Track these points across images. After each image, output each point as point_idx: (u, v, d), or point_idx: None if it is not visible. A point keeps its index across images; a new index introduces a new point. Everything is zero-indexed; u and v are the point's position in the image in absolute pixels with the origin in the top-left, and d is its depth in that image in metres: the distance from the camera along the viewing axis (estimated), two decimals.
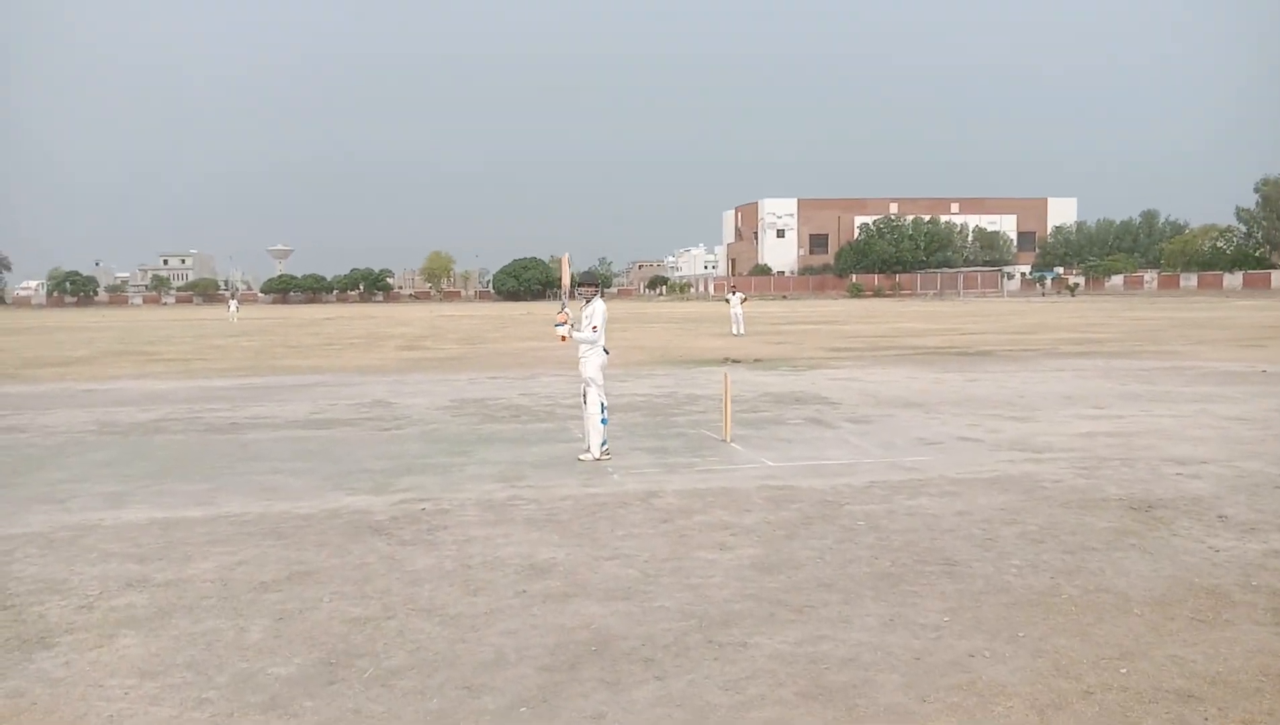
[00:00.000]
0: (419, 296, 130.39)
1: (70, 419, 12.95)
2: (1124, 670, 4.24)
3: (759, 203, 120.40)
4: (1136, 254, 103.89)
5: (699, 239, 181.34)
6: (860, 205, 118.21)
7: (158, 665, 4.44)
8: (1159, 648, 4.49)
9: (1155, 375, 16.78)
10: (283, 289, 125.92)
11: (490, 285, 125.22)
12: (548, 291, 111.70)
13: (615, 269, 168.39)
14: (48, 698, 4.11)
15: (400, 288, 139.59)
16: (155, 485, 8.42)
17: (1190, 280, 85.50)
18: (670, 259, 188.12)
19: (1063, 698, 3.98)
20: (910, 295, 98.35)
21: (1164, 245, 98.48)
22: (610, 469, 8.83)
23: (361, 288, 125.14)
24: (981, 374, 17.39)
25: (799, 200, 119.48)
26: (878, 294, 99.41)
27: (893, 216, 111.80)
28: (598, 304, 9.37)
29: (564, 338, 9.38)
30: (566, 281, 10.17)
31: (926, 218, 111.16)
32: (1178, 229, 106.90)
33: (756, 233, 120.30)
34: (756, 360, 21.31)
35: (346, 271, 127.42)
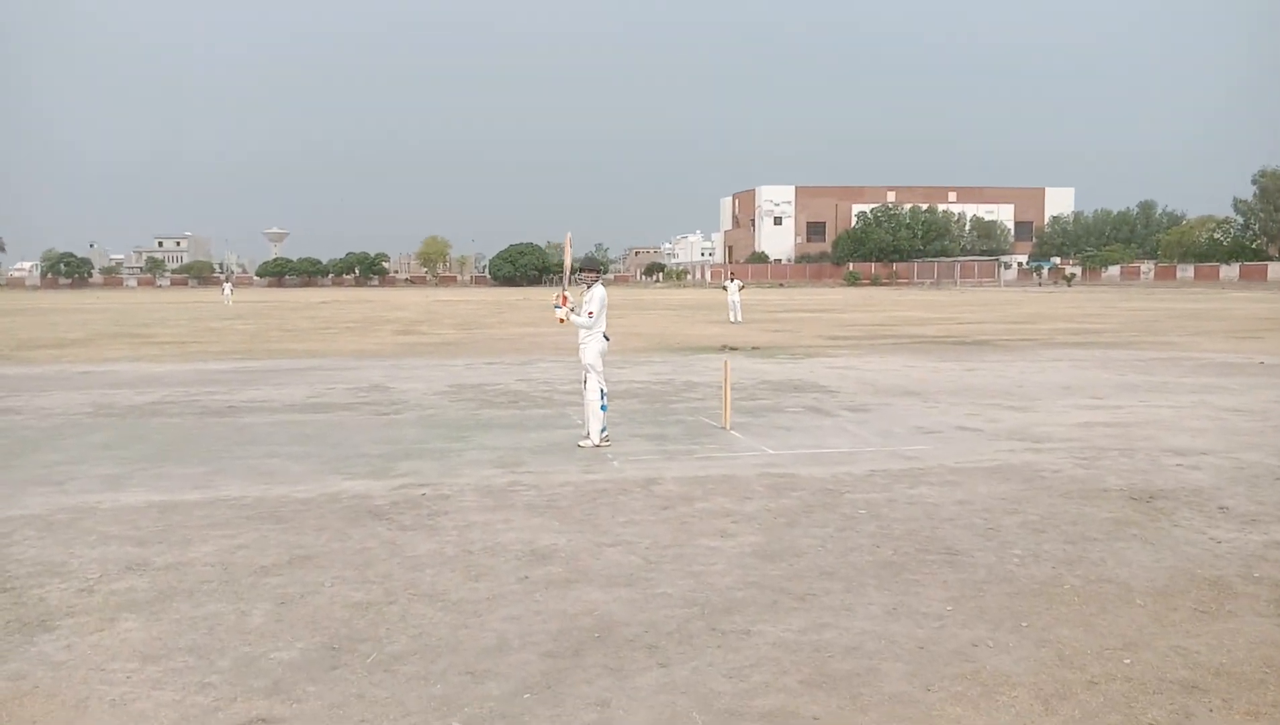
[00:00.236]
0: (415, 281, 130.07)
1: (66, 401, 12.90)
2: (1127, 661, 4.24)
3: (756, 190, 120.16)
4: (1133, 245, 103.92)
5: (696, 226, 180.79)
6: (858, 193, 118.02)
7: (159, 649, 4.42)
8: (1162, 638, 4.49)
9: (1153, 366, 16.80)
10: (278, 272, 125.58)
11: (486, 270, 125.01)
12: (544, 277, 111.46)
13: (612, 255, 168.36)
14: (50, 681, 4.09)
15: (396, 272, 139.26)
16: (153, 468, 8.39)
17: (1187, 271, 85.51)
18: (667, 246, 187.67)
19: (1067, 688, 3.98)
20: (907, 284, 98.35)
21: (1161, 236, 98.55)
22: (610, 455, 8.81)
23: (357, 272, 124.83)
24: (979, 363, 17.40)
25: (796, 188, 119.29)
26: (875, 282, 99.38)
27: (890, 205, 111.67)
28: (597, 290, 9.33)
29: (561, 320, 9.37)
30: (568, 262, 10.14)
31: (924, 206, 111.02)
32: (1175, 220, 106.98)
33: (754, 220, 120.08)
34: (754, 348, 21.29)
35: (342, 255, 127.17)
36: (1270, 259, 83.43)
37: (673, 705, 3.85)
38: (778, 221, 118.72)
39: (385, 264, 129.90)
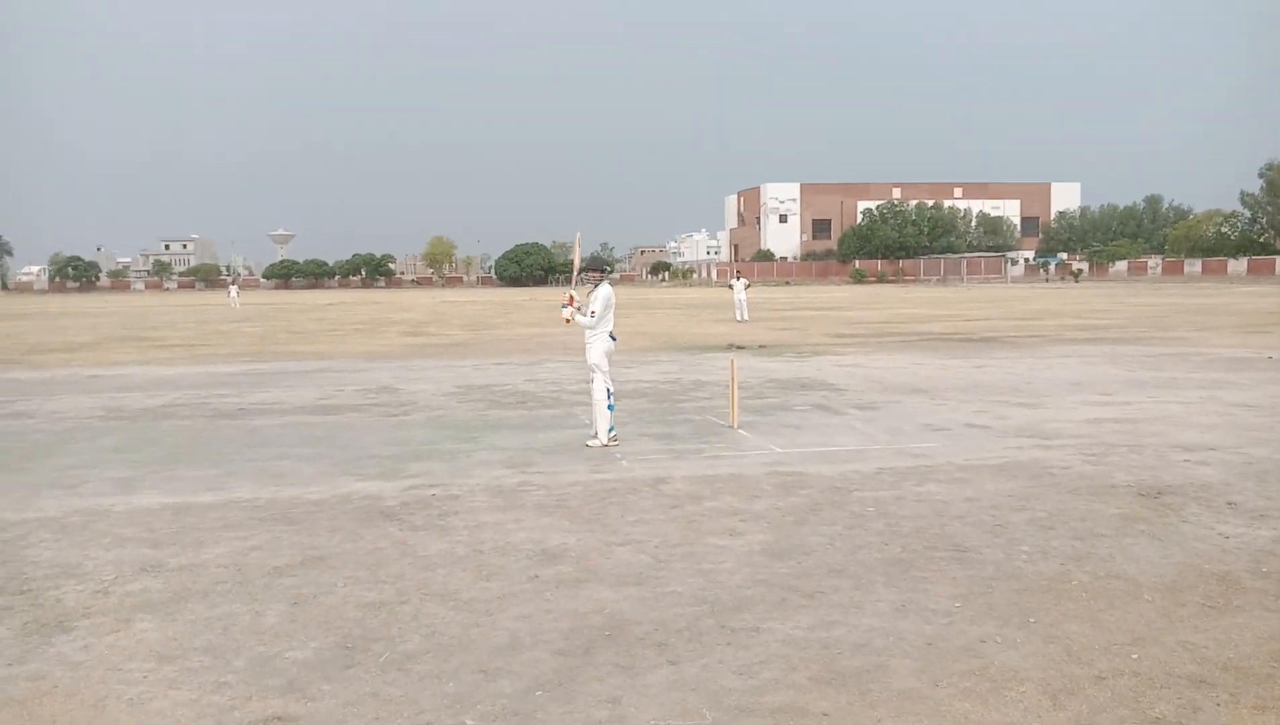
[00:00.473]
0: (421, 282, 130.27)
1: (77, 404, 12.98)
2: (1135, 656, 4.27)
3: (761, 187, 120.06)
4: (1140, 239, 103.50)
5: (701, 224, 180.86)
6: (863, 190, 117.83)
7: (175, 649, 4.47)
8: (1170, 633, 4.51)
9: (1162, 361, 16.78)
10: (285, 275, 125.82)
11: (492, 271, 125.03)
12: (550, 277, 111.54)
13: (617, 254, 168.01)
14: (68, 681, 4.15)
15: (402, 273, 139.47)
16: (165, 471, 8.45)
17: (1194, 266, 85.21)
18: (672, 244, 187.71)
19: (1075, 683, 4.00)
20: (913, 281, 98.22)
21: (1168, 231, 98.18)
22: (618, 455, 8.85)
23: (363, 273, 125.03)
24: (987, 360, 17.39)
25: (801, 185, 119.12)
26: (881, 279, 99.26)
27: (896, 201, 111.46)
28: (601, 289, 9.36)
29: (567, 320, 9.41)
30: (577, 262, 10.18)
31: (930, 203, 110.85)
32: (1182, 214, 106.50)
33: (759, 218, 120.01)
34: (761, 346, 21.31)
35: (348, 257, 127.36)
36: (1278, 253, 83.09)
37: (683, 702, 3.89)
38: (783, 219, 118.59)
39: (391, 265, 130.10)
